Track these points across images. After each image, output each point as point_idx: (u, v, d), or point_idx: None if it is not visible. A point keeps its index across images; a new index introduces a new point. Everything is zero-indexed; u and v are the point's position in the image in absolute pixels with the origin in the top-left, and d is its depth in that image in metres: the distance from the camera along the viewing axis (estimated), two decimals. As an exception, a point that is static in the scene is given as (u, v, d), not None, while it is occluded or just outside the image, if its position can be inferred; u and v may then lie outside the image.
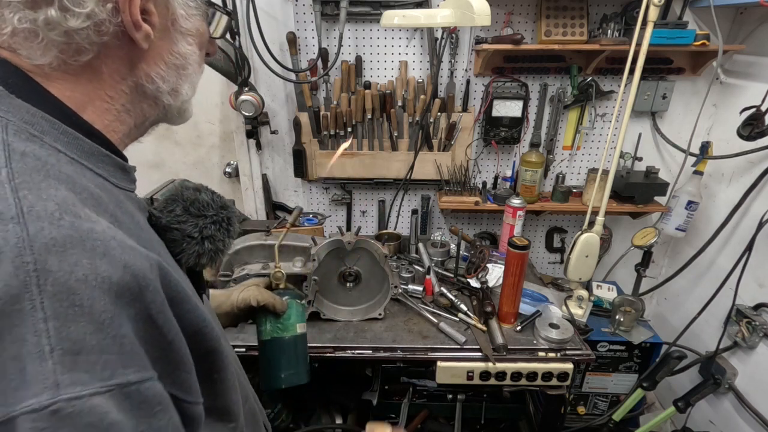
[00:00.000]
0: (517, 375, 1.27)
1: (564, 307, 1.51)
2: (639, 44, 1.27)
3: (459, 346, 1.29)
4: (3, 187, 0.38)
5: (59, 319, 0.35)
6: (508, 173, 1.83)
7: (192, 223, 0.60)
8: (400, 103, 1.70)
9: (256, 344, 0.99)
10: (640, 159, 1.80)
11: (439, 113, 1.73)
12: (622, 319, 1.59)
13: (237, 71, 1.49)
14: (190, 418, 0.47)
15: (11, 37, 0.43)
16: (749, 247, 1.46)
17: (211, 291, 0.98)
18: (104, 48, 0.47)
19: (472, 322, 1.36)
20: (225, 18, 0.61)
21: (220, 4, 0.62)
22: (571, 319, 1.46)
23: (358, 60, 1.68)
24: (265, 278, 1.06)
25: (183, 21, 0.53)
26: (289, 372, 0.97)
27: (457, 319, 1.39)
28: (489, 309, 1.36)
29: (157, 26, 0.50)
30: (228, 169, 1.90)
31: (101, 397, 0.35)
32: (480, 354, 1.28)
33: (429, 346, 1.30)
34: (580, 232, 1.46)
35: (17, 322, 0.34)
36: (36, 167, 0.41)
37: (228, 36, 1.46)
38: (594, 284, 1.74)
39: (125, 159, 0.54)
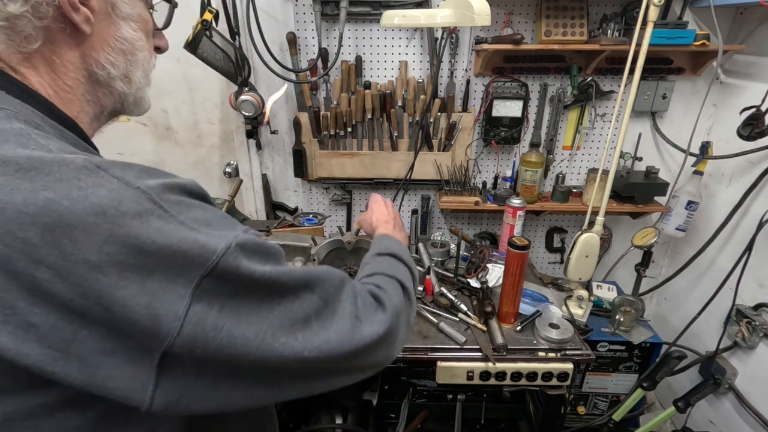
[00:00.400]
0: (517, 375, 1.27)
1: (564, 307, 1.51)
2: (639, 44, 1.27)
3: (459, 346, 1.29)
4: (62, 155, 0.42)
5: (182, 212, 0.44)
6: (508, 173, 1.83)
7: None
8: (400, 103, 1.70)
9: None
10: (640, 159, 1.79)
11: (439, 113, 1.73)
12: (622, 319, 1.59)
13: (237, 71, 1.49)
14: None
15: None
16: (749, 247, 1.46)
17: None
18: (49, 33, 0.49)
19: (472, 322, 1.36)
20: (168, 6, 0.64)
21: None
22: (571, 319, 1.46)
23: (358, 60, 1.68)
24: None
25: (122, 6, 0.55)
26: None
27: (457, 319, 1.39)
28: (489, 309, 1.36)
29: (97, 10, 0.52)
30: (228, 169, 1.90)
31: (246, 235, 0.47)
32: (480, 354, 1.28)
33: (429, 346, 1.30)
34: (580, 232, 1.46)
35: (163, 222, 0.42)
36: (62, 147, 0.45)
37: (228, 36, 1.46)
38: (594, 284, 1.74)
39: (98, 151, 0.57)
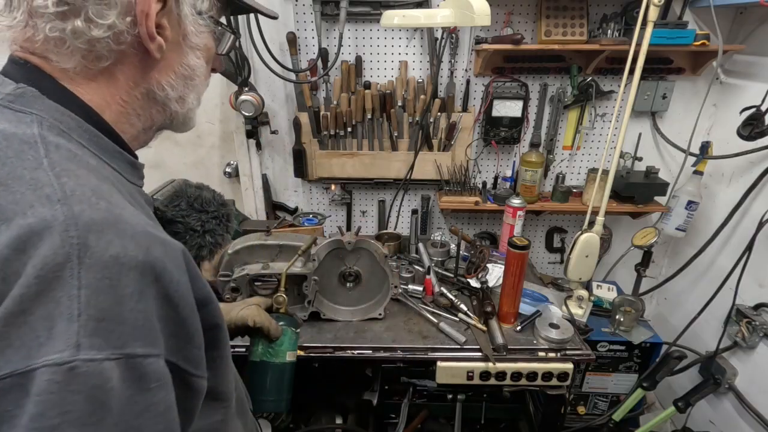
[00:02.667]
0: (517, 375, 1.27)
1: (564, 307, 1.51)
2: (639, 44, 1.27)
3: (459, 346, 1.29)
4: (47, 174, 0.43)
5: (91, 288, 0.40)
6: (508, 173, 1.83)
7: (195, 217, 0.67)
8: (400, 103, 1.70)
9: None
10: (640, 159, 1.79)
11: (439, 113, 1.73)
12: (622, 319, 1.59)
13: (237, 71, 1.49)
14: (196, 391, 0.52)
15: (43, 44, 0.49)
16: (749, 247, 1.46)
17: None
18: (121, 56, 0.53)
19: (472, 322, 1.36)
20: (232, 37, 0.66)
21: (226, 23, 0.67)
22: (571, 319, 1.46)
23: (358, 60, 1.68)
24: (268, 299, 1.12)
25: (193, 37, 0.58)
26: (270, 398, 1.00)
27: (457, 319, 1.39)
28: (489, 309, 1.36)
29: (170, 39, 0.55)
30: (228, 169, 1.90)
31: (110, 363, 0.40)
32: (480, 354, 1.28)
33: (429, 346, 1.30)
34: (580, 232, 1.46)
35: (56, 286, 0.39)
36: (69, 157, 0.47)
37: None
38: (594, 284, 1.74)
39: (136, 157, 0.60)
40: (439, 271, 1.64)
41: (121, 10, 0.50)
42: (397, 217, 1.97)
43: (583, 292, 1.56)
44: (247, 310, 1.02)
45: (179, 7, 0.55)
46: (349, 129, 1.73)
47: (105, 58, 0.52)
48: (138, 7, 0.50)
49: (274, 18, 0.73)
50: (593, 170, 1.77)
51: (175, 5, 0.54)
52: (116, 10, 0.49)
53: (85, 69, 0.52)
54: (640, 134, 1.77)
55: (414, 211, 1.91)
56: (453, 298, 1.43)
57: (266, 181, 1.90)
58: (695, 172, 1.66)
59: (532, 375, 1.27)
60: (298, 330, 1.10)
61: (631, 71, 1.31)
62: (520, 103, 1.68)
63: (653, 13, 1.24)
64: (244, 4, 0.64)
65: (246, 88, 1.55)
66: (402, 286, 1.48)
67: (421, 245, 1.74)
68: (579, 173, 1.89)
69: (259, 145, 1.82)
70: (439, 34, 1.63)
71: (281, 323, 1.05)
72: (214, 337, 0.57)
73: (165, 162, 1.92)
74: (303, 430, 1.28)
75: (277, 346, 1.03)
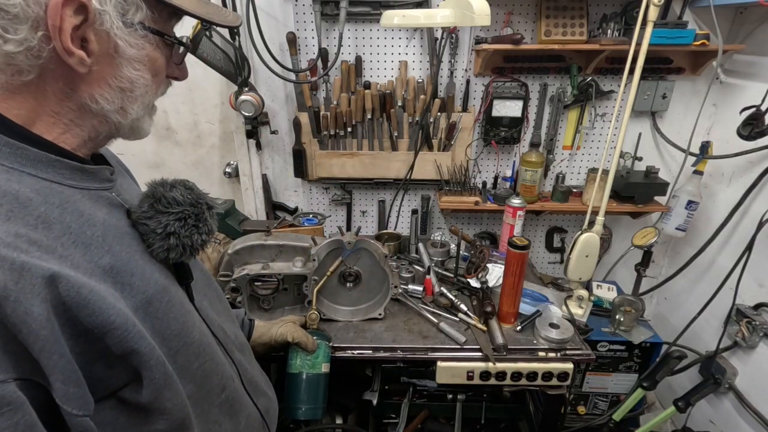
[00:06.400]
0: (517, 375, 1.27)
1: (564, 307, 1.51)
2: (639, 44, 1.27)
3: (459, 346, 1.29)
4: None
5: None
6: (508, 173, 1.83)
7: (156, 220, 0.62)
8: (400, 103, 1.70)
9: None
10: (640, 159, 1.79)
11: (439, 113, 1.73)
12: (622, 319, 1.59)
13: (237, 71, 1.49)
14: (79, 430, 0.49)
15: None
16: (749, 247, 1.46)
17: (256, 322, 1.13)
18: (45, 70, 0.52)
19: (472, 322, 1.36)
20: (182, 48, 0.64)
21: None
22: (571, 319, 1.46)
23: (358, 60, 1.68)
24: (302, 317, 1.24)
25: (126, 49, 0.56)
26: (309, 406, 1.11)
27: (457, 319, 1.39)
28: (489, 309, 1.36)
29: (96, 53, 0.54)
30: (228, 169, 1.90)
31: None
32: (480, 354, 1.28)
33: (429, 346, 1.30)
34: (580, 232, 1.46)
35: None
36: None
37: (228, 36, 1.46)
38: (594, 284, 1.74)
39: (86, 162, 0.60)
40: (439, 271, 1.64)
41: (32, 24, 0.48)
42: (397, 217, 1.97)
43: (583, 292, 1.56)
44: (285, 327, 1.12)
45: (103, 21, 0.53)
46: (349, 129, 1.73)
47: (27, 72, 0.51)
48: (49, 21, 0.49)
49: (234, 27, 0.71)
50: (593, 170, 1.77)
51: (99, 18, 0.52)
52: (26, 25, 0.48)
53: (7, 83, 0.51)
54: (640, 134, 1.77)
55: (414, 211, 1.91)
56: (453, 298, 1.43)
57: (266, 181, 1.90)
58: (695, 172, 1.66)
59: (532, 375, 1.27)
60: (331, 344, 1.20)
61: (631, 71, 1.31)
62: (520, 103, 1.68)
63: (653, 13, 1.24)
64: (191, 14, 0.61)
65: (246, 88, 1.55)
66: (402, 286, 1.48)
67: (421, 245, 1.74)
68: (579, 173, 1.89)
69: (259, 145, 1.82)
70: (439, 34, 1.63)
71: (315, 337, 1.15)
72: (136, 362, 0.54)
73: (165, 162, 1.92)
74: (303, 430, 1.28)
75: (314, 359, 1.12)
